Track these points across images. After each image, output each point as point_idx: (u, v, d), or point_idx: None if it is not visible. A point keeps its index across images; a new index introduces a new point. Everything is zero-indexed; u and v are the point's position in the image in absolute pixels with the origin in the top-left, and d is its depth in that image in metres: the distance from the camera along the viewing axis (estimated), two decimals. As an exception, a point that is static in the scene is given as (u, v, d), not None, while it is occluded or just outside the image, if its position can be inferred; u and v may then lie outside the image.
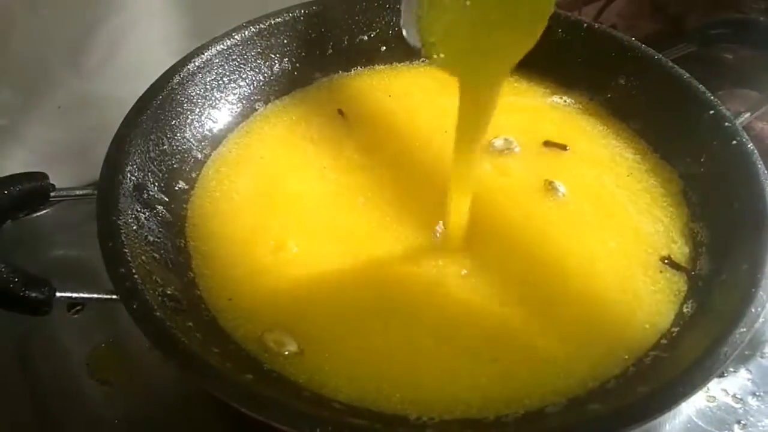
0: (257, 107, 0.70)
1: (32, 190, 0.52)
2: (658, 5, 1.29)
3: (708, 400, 0.60)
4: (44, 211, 0.57)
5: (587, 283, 0.57)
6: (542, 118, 0.71)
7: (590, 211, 0.63)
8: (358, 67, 0.75)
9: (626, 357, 0.52)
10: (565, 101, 0.72)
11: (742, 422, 0.58)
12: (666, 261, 0.59)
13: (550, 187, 0.63)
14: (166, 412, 0.59)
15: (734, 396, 0.60)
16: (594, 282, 0.57)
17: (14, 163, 0.75)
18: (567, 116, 0.71)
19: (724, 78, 0.96)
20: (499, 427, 0.46)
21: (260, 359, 0.50)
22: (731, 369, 0.62)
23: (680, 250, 0.60)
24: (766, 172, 0.57)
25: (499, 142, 0.67)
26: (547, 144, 0.68)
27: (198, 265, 0.56)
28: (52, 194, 0.53)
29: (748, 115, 0.64)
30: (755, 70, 0.83)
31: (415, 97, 0.73)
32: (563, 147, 0.67)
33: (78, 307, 0.63)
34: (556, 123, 0.70)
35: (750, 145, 0.59)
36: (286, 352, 0.50)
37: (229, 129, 0.68)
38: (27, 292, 0.46)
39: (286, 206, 0.62)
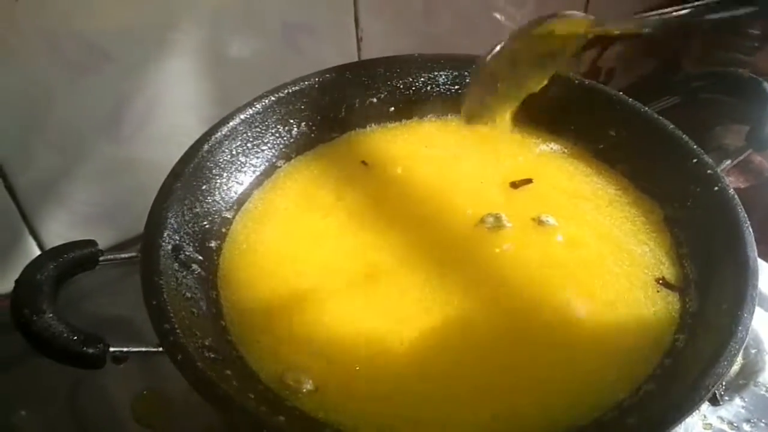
0: (279, 164, 0.76)
1: (83, 256, 0.58)
2: (655, 48, 1.34)
3: (705, 428, 0.64)
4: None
5: (598, 313, 0.61)
6: (527, 163, 0.77)
7: (585, 238, 0.68)
8: (373, 125, 0.81)
9: (632, 382, 0.56)
10: (552, 148, 0.78)
11: (738, 448, 0.63)
12: (660, 281, 0.64)
13: (539, 222, 0.69)
14: (205, 452, 0.64)
15: (730, 423, 0.64)
16: (604, 310, 0.61)
17: (59, 223, 0.81)
18: (552, 160, 0.77)
19: (722, 114, 1.01)
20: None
21: (283, 396, 0.55)
22: (726, 397, 0.66)
23: (669, 271, 0.65)
24: (745, 215, 0.62)
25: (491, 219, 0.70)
26: (513, 185, 0.73)
27: (228, 313, 0.62)
28: (100, 259, 0.59)
29: (729, 162, 0.69)
30: (750, 107, 0.88)
31: (430, 147, 0.79)
32: (528, 181, 0.73)
33: (122, 357, 0.68)
34: (541, 167, 0.76)
35: (731, 191, 0.64)
36: (305, 390, 0.55)
37: (254, 186, 0.73)
38: (85, 348, 0.51)
39: (307, 254, 0.67)
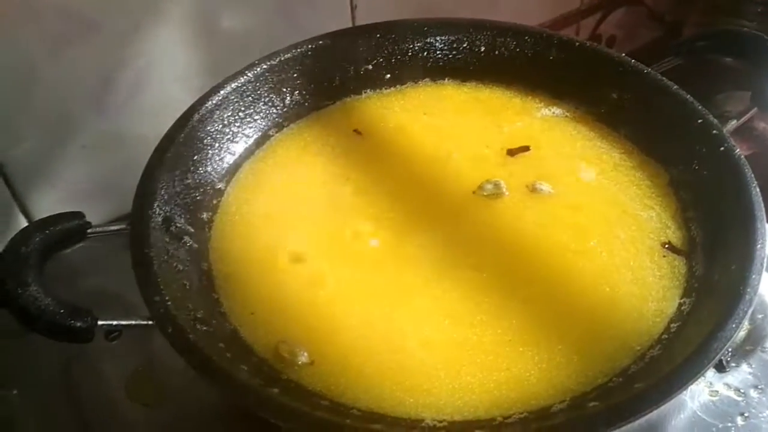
0: (271, 134, 0.74)
1: (71, 228, 0.56)
2: (656, 14, 1.32)
3: (711, 395, 0.62)
4: (80, 245, 0.61)
5: (602, 279, 0.60)
6: (528, 128, 0.75)
7: (589, 204, 0.66)
8: (368, 90, 0.79)
9: (638, 348, 0.55)
10: (554, 113, 0.76)
11: (745, 414, 0.61)
12: (667, 246, 0.62)
13: (533, 189, 0.67)
14: (201, 428, 0.63)
15: (736, 389, 0.63)
16: (609, 276, 0.60)
17: (47, 200, 0.80)
18: (554, 125, 0.75)
19: (724, 81, 0.99)
20: (504, 427, 0.50)
21: (278, 369, 0.54)
22: (733, 364, 0.65)
23: (675, 235, 0.63)
24: (752, 175, 0.60)
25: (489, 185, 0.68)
26: (510, 152, 0.71)
27: (221, 285, 0.60)
28: (88, 231, 0.58)
29: (734, 122, 0.67)
30: (756, 66, 0.86)
31: (426, 113, 0.77)
32: (525, 148, 0.71)
33: (115, 334, 0.67)
34: (543, 131, 0.74)
35: (737, 151, 0.62)
36: (300, 362, 0.54)
37: (246, 156, 0.72)
38: (72, 322, 0.50)
39: (299, 223, 0.65)
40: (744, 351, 0.66)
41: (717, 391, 0.63)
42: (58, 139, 0.78)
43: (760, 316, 0.68)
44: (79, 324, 0.50)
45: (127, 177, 0.63)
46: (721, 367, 0.64)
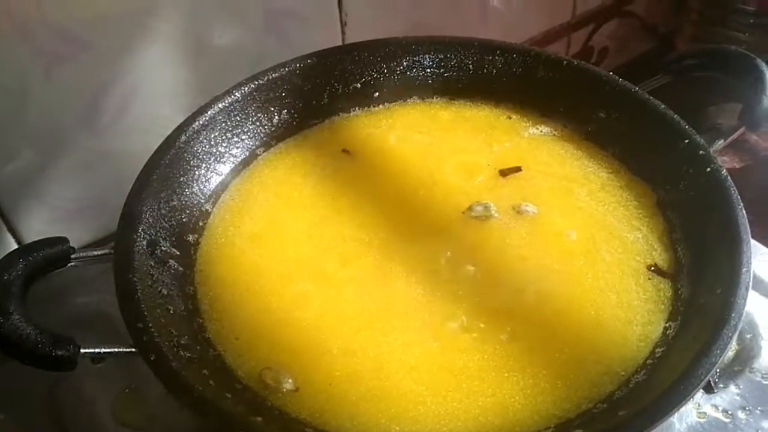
0: (259, 153, 0.74)
1: (54, 255, 0.56)
2: (649, 26, 1.32)
3: (699, 416, 0.62)
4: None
5: (587, 302, 0.60)
6: (516, 147, 0.75)
7: (576, 225, 0.66)
8: (357, 109, 0.79)
9: (622, 373, 0.55)
10: (542, 131, 0.76)
11: (733, 436, 0.61)
12: (652, 268, 0.62)
13: (519, 211, 0.67)
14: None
15: (724, 411, 0.63)
16: (594, 299, 0.60)
17: (36, 219, 0.79)
18: (542, 143, 0.75)
19: (714, 94, 0.99)
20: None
21: (262, 396, 0.53)
22: (721, 385, 0.64)
23: (661, 257, 0.63)
24: (738, 196, 0.60)
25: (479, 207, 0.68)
26: (502, 173, 0.71)
27: (206, 310, 0.60)
28: (72, 257, 0.57)
29: (722, 141, 0.67)
30: (743, 84, 0.86)
31: (414, 132, 0.77)
32: (517, 169, 0.71)
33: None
34: (531, 150, 0.74)
35: (723, 172, 0.62)
36: (285, 389, 0.54)
37: (232, 177, 0.71)
38: (54, 351, 0.49)
39: (285, 244, 0.65)
40: (732, 371, 0.65)
41: (705, 413, 0.62)
42: (48, 158, 0.78)
43: (748, 336, 0.68)
44: (61, 353, 0.50)
45: (117, 195, 0.63)
46: (709, 389, 0.63)
